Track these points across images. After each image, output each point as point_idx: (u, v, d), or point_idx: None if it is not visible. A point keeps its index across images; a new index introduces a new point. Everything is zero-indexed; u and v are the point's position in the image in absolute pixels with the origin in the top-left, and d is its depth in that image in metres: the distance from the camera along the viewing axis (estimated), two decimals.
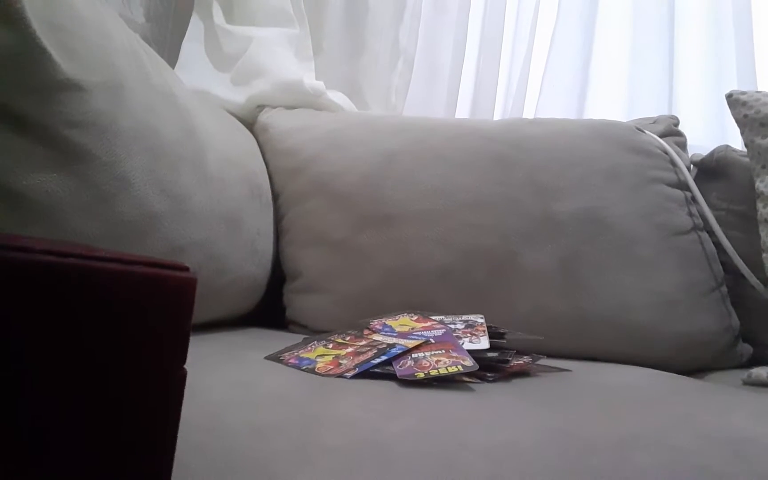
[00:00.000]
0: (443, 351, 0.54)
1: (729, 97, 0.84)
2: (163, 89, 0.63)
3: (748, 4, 1.09)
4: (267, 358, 0.57)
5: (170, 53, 1.10)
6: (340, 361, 0.54)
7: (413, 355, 0.54)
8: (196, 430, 0.37)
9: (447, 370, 0.50)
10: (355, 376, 0.51)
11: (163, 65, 0.67)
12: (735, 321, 0.82)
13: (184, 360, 0.26)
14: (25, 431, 0.22)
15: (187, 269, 0.26)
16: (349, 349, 0.58)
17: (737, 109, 0.83)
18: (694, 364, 0.78)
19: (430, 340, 0.57)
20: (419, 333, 0.60)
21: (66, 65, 0.49)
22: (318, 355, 0.57)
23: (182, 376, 0.26)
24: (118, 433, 0.24)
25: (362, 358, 0.54)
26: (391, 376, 0.51)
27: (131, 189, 0.55)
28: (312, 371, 0.53)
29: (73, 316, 0.23)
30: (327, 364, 0.54)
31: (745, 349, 0.82)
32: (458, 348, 0.55)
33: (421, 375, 0.50)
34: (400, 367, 0.52)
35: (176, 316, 0.25)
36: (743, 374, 0.71)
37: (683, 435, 0.41)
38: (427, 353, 0.54)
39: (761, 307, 0.80)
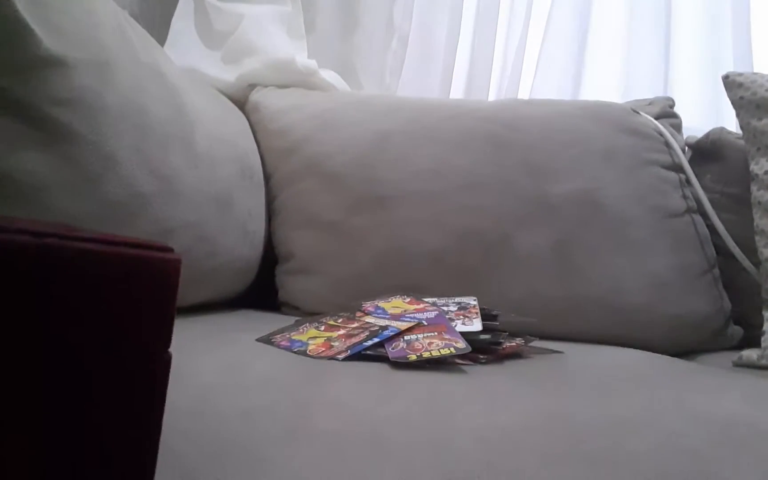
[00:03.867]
0: (435, 333, 0.54)
1: (726, 79, 0.83)
2: (151, 67, 0.61)
3: None
4: (258, 340, 0.57)
5: (159, 31, 1.08)
6: (332, 343, 0.54)
7: (405, 337, 0.53)
8: (183, 414, 0.37)
9: (439, 352, 0.50)
10: (347, 359, 0.51)
11: (151, 42, 0.66)
12: (726, 303, 0.82)
13: (168, 343, 0.26)
14: (2, 416, 0.22)
15: (171, 250, 0.25)
16: (342, 332, 0.57)
17: (734, 90, 0.82)
18: (685, 346, 0.79)
19: (423, 322, 0.57)
20: (412, 315, 0.60)
21: (50, 41, 0.48)
22: (310, 337, 0.57)
23: (167, 360, 0.26)
24: (100, 418, 0.24)
25: (354, 340, 0.54)
26: (384, 359, 0.50)
27: (118, 169, 0.54)
28: (303, 353, 0.52)
29: (51, 298, 0.22)
30: (319, 346, 0.54)
31: (736, 331, 0.83)
32: (450, 330, 0.55)
33: (414, 357, 0.49)
34: (392, 349, 0.51)
35: (160, 298, 0.24)
36: (734, 356, 0.71)
37: (674, 418, 0.41)
38: (419, 335, 0.54)
39: (753, 290, 0.80)
